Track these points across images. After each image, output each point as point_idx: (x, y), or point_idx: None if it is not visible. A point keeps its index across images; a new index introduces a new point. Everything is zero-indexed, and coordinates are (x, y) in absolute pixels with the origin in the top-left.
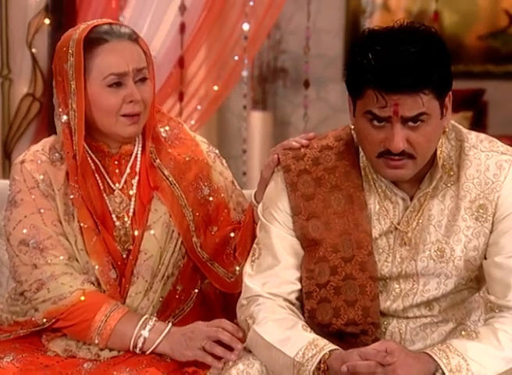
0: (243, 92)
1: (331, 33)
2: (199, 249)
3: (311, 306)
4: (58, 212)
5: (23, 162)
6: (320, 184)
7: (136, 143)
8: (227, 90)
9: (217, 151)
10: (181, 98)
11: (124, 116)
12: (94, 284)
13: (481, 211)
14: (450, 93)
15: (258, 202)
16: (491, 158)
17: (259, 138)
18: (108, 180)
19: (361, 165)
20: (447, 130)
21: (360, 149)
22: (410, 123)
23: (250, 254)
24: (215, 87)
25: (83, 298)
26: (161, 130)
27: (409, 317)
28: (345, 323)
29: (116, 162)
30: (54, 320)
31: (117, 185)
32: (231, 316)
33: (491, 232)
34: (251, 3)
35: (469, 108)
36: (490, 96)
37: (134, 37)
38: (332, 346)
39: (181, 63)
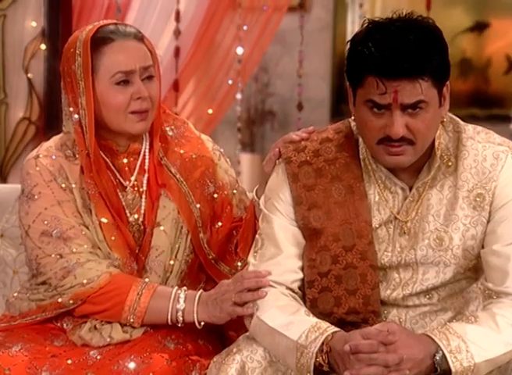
0: (233, 135)
1: (318, 77)
2: (205, 245)
3: (313, 295)
4: (76, 204)
5: (37, 157)
6: (321, 175)
7: (144, 141)
8: (221, 113)
9: (222, 150)
10: None
11: (132, 113)
12: (118, 267)
13: (478, 200)
14: (448, 83)
15: (259, 198)
16: (488, 149)
17: (248, 179)
18: (119, 177)
19: (361, 156)
20: (445, 120)
21: (360, 141)
22: (410, 110)
23: (253, 245)
24: (210, 111)
25: (110, 280)
26: (167, 128)
27: (409, 306)
28: (346, 311)
29: (125, 161)
30: (80, 302)
31: (127, 182)
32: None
33: (488, 221)
34: (245, 27)
35: None
36: None
37: (140, 36)
38: (335, 328)
39: (176, 87)
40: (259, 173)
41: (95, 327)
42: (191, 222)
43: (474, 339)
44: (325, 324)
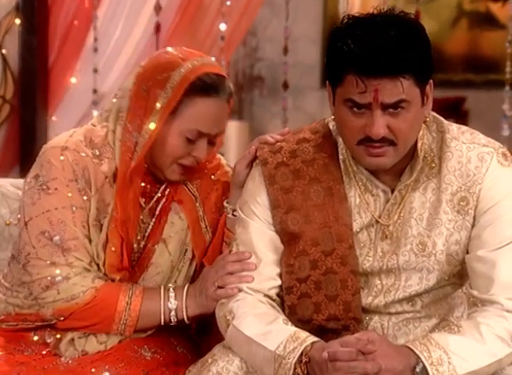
0: None
1: (308, 40)
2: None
3: (292, 302)
4: (89, 213)
5: (65, 148)
6: (298, 177)
7: None
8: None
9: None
10: None
11: (179, 164)
12: (103, 278)
13: (462, 204)
14: (431, 81)
15: (228, 202)
16: (472, 150)
17: (235, 149)
18: (140, 199)
19: (341, 157)
20: (428, 120)
21: (340, 142)
22: (391, 110)
23: (227, 251)
24: None
25: (96, 295)
26: None
27: (391, 313)
28: (326, 318)
29: (149, 186)
30: (63, 319)
31: (146, 205)
32: None
33: (473, 226)
34: (228, 3)
35: (449, 116)
36: (471, 104)
37: (230, 98)
38: (314, 338)
39: None
40: (247, 143)
41: (72, 339)
42: (200, 246)
43: (457, 350)
44: (303, 334)
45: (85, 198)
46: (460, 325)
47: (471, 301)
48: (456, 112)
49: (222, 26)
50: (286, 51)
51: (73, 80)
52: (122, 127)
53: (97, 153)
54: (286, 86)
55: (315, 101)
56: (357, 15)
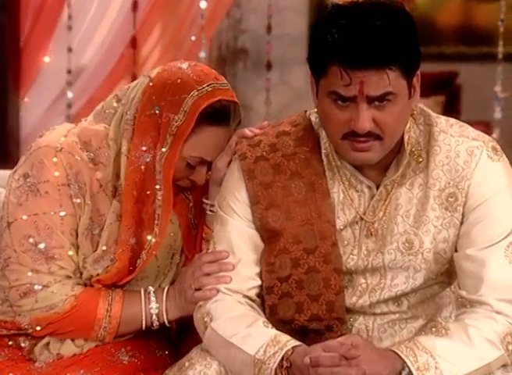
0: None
1: (294, 11)
2: None
3: (272, 302)
4: (80, 221)
5: (59, 149)
6: (279, 171)
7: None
8: (187, 61)
9: None
10: (134, 80)
11: (177, 185)
12: (82, 284)
13: (450, 200)
14: (419, 73)
15: (208, 198)
16: (461, 144)
17: None
18: None
19: (323, 151)
20: (415, 113)
21: (322, 135)
22: (377, 103)
23: (204, 250)
24: None
25: (75, 304)
26: None
27: (376, 313)
28: (308, 318)
29: None
30: (40, 328)
31: None
32: None
33: (461, 223)
34: None
35: (441, 91)
36: (463, 79)
37: (239, 125)
38: (296, 342)
39: (133, 43)
40: None
41: (48, 343)
42: (191, 250)
43: (444, 354)
44: (284, 337)
45: (76, 205)
46: (447, 327)
47: (460, 301)
48: (448, 86)
49: (203, 4)
50: (269, 29)
51: (46, 59)
52: (127, 141)
53: (92, 156)
54: (269, 66)
55: (302, 75)
56: (341, 3)
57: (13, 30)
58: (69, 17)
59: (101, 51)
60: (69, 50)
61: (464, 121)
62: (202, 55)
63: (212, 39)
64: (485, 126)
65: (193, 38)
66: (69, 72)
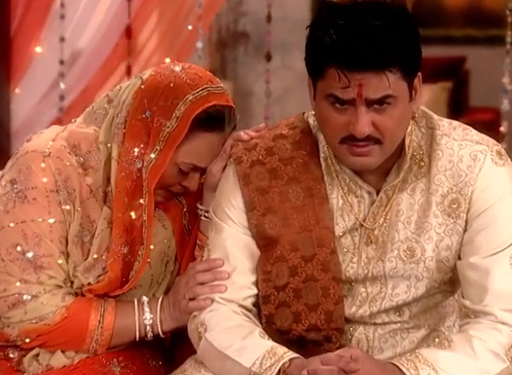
0: (198, 59)
1: None
2: None
3: (269, 311)
4: (70, 228)
5: (47, 154)
6: (276, 176)
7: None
8: (180, 62)
9: None
10: (129, 71)
11: (169, 191)
12: (73, 293)
13: (453, 206)
14: (420, 74)
15: (202, 204)
16: (465, 148)
17: None
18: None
19: (322, 155)
20: (417, 115)
21: (321, 138)
22: (376, 106)
23: (199, 257)
24: (167, 60)
25: (66, 315)
26: None
27: (377, 323)
28: (306, 328)
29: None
30: (29, 341)
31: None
32: None
33: (465, 230)
34: None
35: (448, 77)
36: (472, 64)
37: (234, 129)
38: (293, 354)
39: (128, 33)
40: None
41: (37, 355)
42: (184, 255)
43: (447, 367)
44: (281, 349)
45: (65, 211)
46: (450, 339)
47: (463, 311)
48: (456, 72)
49: None
50: (269, 18)
51: (38, 49)
52: (118, 146)
53: (81, 160)
54: (269, 57)
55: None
56: (339, 2)
57: (3, 19)
58: (62, 5)
59: (95, 41)
60: (62, 39)
61: (472, 108)
62: (199, 45)
63: (211, 24)
64: (494, 114)
65: (190, 27)
66: (61, 62)
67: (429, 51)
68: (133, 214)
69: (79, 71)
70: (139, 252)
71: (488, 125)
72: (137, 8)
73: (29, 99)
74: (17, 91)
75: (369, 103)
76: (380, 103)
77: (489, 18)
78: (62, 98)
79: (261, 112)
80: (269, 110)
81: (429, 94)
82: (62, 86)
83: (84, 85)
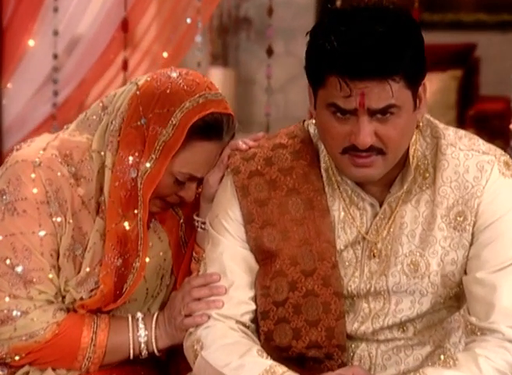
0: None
1: None
2: None
3: (268, 327)
4: (61, 241)
5: (38, 164)
6: (275, 187)
7: None
8: (178, 57)
9: None
10: (125, 66)
11: (162, 200)
12: (65, 309)
13: (459, 219)
14: (425, 82)
15: (198, 215)
16: (471, 159)
17: None
18: None
19: (323, 165)
20: (421, 124)
21: (321, 148)
22: (379, 116)
23: (195, 271)
24: (165, 54)
25: (57, 332)
26: None
27: (380, 340)
28: (306, 345)
29: None
30: (19, 358)
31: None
32: None
33: (471, 244)
34: None
35: (458, 65)
36: (483, 51)
37: (232, 137)
38: (292, 374)
39: (125, 26)
40: (232, 92)
41: (27, 373)
42: (178, 262)
43: None
44: (280, 368)
45: (56, 223)
46: (456, 358)
47: (469, 328)
48: (466, 59)
49: None
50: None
51: (31, 42)
52: (112, 154)
53: (73, 170)
54: (270, 52)
55: None
56: (340, 8)
57: None
58: None
59: (90, 34)
60: (55, 33)
61: (482, 97)
62: (198, 39)
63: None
64: (505, 103)
65: (188, 21)
66: (55, 57)
67: (437, 38)
68: (126, 225)
69: (73, 65)
70: (133, 265)
71: (499, 115)
72: (134, 0)
73: (21, 94)
74: (9, 85)
75: (372, 113)
76: (383, 113)
77: (501, 2)
78: (55, 93)
79: (264, 101)
80: (272, 99)
81: (438, 83)
82: (56, 81)
83: (79, 80)
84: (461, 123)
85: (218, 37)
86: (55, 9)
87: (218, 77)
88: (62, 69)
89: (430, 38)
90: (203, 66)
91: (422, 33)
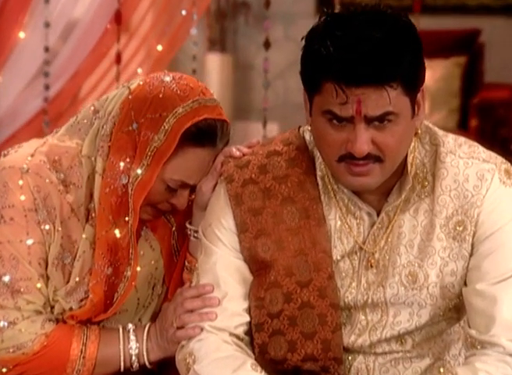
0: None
1: None
2: None
3: (262, 340)
4: (49, 249)
5: (26, 171)
6: (269, 196)
7: None
8: (173, 50)
9: None
10: (118, 59)
11: (154, 207)
12: (53, 319)
13: (458, 229)
14: (423, 88)
15: (191, 223)
16: (471, 167)
17: (217, 85)
18: None
19: (319, 173)
20: (420, 131)
21: (317, 156)
22: (376, 123)
23: (187, 282)
24: (159, 47)
25: (45, 343)
26: None
27: (377, 353)
28: (302, 358)
29: None
30: (6, 371)
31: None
32: None
33: (471, 254)
34: None
35: (462, 52)
36: (487, 37)
37: (227, 144)
38: None
39: (118, 18)
40: (230, 78)
41: None
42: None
43: None
44: None
45: (44, 231)
46: (455, 372)
47: (469, 341)
48: (470, 45)
49: None
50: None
51: (21, 35)
52: (103, 160)
53: (62, 177)
54: (267, 44)
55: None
56: (337, 12)
57: None
58: None
59: (82, 27)
60: (47, 25)
61: (487, 84)
62: (194, 32)
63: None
64: (511, 90)
65: (183, 13)
66: (46, 49)
67: (441, 23)
68: (117, 232)
69: (65, 58)
70: (124, 273)
71: (505, 103)
72: None
73: (12, 88)
74: None
75: (369, 120)
76: (380, 120)
77: None
78: (47, 87)
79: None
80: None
81: (441, 70)
82: (47, 74)
83: (71, 73)
84: (465, 111)
85: (216, 21)
86: (46, 0)
87: (215, 63)
88: (54, 62)
89: (433, 23)
90: (198, 58)
91: (425, 17)
